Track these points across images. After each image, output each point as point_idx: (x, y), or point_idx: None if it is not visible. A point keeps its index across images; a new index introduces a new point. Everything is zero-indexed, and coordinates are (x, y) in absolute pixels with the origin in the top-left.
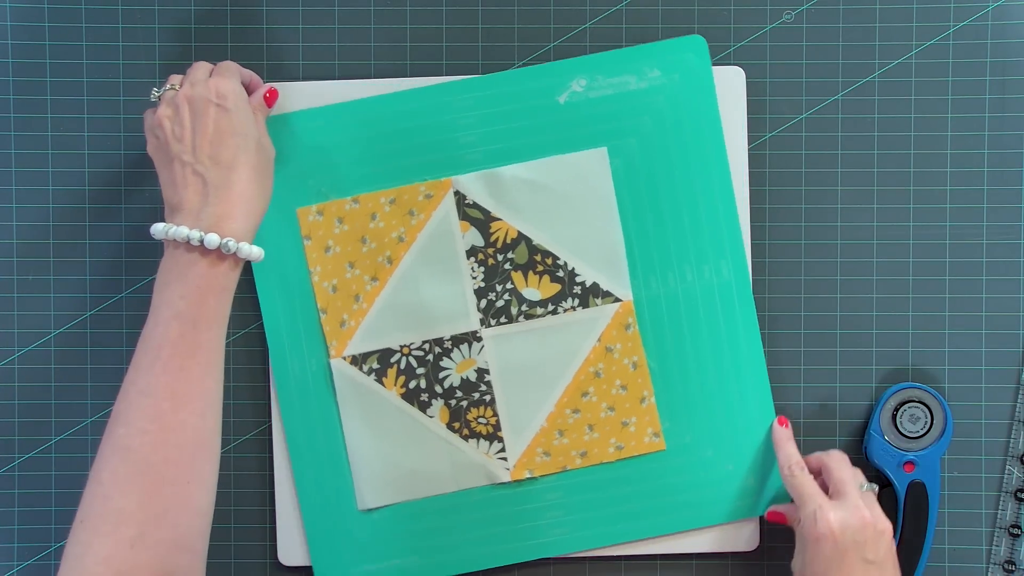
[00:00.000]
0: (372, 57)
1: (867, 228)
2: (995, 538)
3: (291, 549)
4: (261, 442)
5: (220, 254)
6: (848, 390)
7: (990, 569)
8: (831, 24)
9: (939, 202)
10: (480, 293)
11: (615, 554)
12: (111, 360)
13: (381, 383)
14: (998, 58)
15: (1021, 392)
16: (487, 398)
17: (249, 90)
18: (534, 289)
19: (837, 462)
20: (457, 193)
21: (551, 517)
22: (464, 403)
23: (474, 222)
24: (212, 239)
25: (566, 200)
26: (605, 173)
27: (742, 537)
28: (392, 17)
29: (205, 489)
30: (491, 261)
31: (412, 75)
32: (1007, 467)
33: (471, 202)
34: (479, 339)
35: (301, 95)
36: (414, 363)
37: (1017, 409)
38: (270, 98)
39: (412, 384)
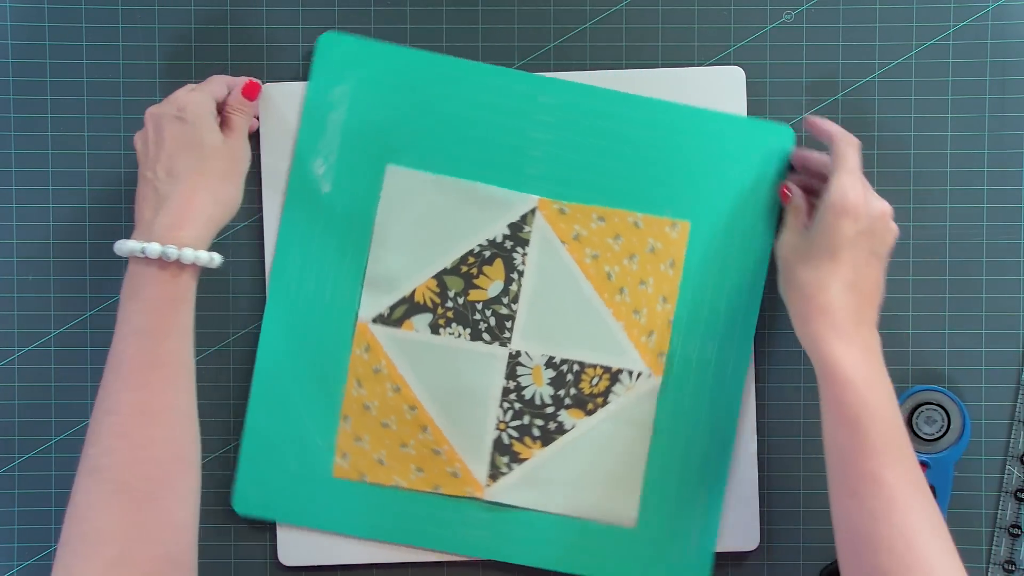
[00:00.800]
0: None
1: None
2: (995, 538)
3: (291, 549)
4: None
5: (168, 264)
6: None
7: (990, 569)
8: (831, 24)
9: (939, 202)
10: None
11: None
12: None
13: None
14: (998, 58)
15: (1021, 392)
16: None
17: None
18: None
19: (855, 150)
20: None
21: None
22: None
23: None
24: (153, 248)
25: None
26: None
27: (742, 537)
28: (392, 17)
29: (186, 502)
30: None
31: None
32: (1007, 467)
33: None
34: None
35: (301, 95)
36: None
37: (1017, 409)
38: (249, 90)
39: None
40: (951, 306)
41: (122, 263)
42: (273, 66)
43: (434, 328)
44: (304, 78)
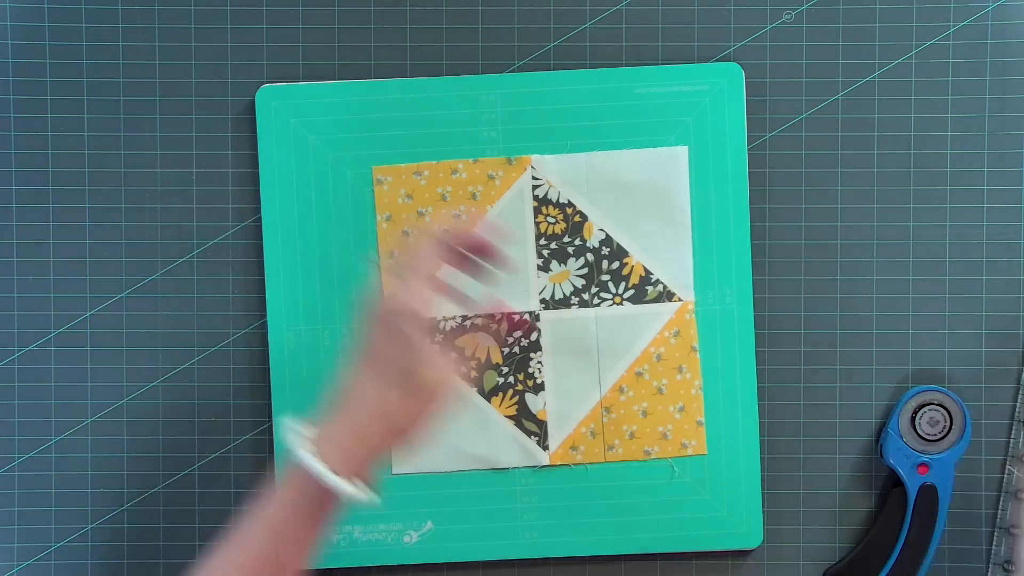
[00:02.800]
0: (372, 57)
1: (867, 228)
2: (995, 538)
3: None
4: (261, 442)
5: (306, 475)
6: (848, 390)
7: (990, 569)
8: (831, 24)
9: (939, 202)
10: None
11: (615, 552)
12: (111, 360)
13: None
14: (998, 58)
15: (1021, 392)
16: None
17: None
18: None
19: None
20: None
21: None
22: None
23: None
24: (304, 456)
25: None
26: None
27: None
28: (392, 17)
29: None
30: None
31: (412, 75)
32: (1007, 467)
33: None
34: (537, 319)
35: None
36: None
37: (1017, 409)
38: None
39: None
40: (951, 306)
41: (122, 264)
42: (273, 66)
43: None
44: (304, 78)
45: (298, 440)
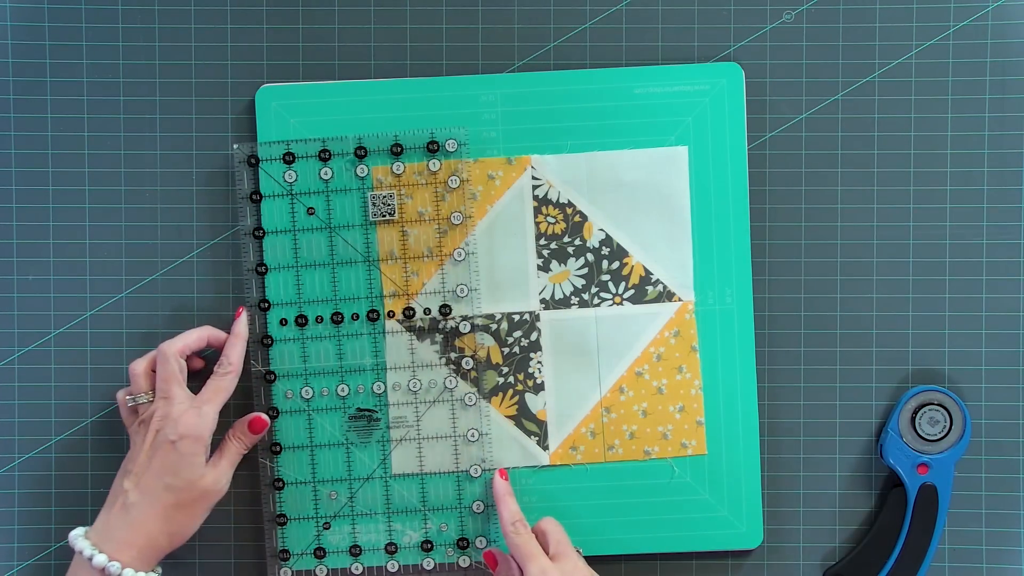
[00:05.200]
0: (372, 57)
1: (867, 228)
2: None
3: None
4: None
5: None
6: (848, 390)
7: (989, 569)
8: (831, 24)
9: (939, 202)
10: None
11: (615, 552)
12: (111, 360)
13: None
14: (998, 58)
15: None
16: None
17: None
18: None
19: (554, 525)
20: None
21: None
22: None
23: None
24: (100, 560)
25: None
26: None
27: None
28: (392, 17)
29: None
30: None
31: (412, 75)
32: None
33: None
34: (537, 319)
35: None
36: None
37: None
38: (255, 426)
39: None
40: (951, 306)
41: (122, 264)
42: (273, 66)
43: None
44: (304, 78)
45: (88, 547)
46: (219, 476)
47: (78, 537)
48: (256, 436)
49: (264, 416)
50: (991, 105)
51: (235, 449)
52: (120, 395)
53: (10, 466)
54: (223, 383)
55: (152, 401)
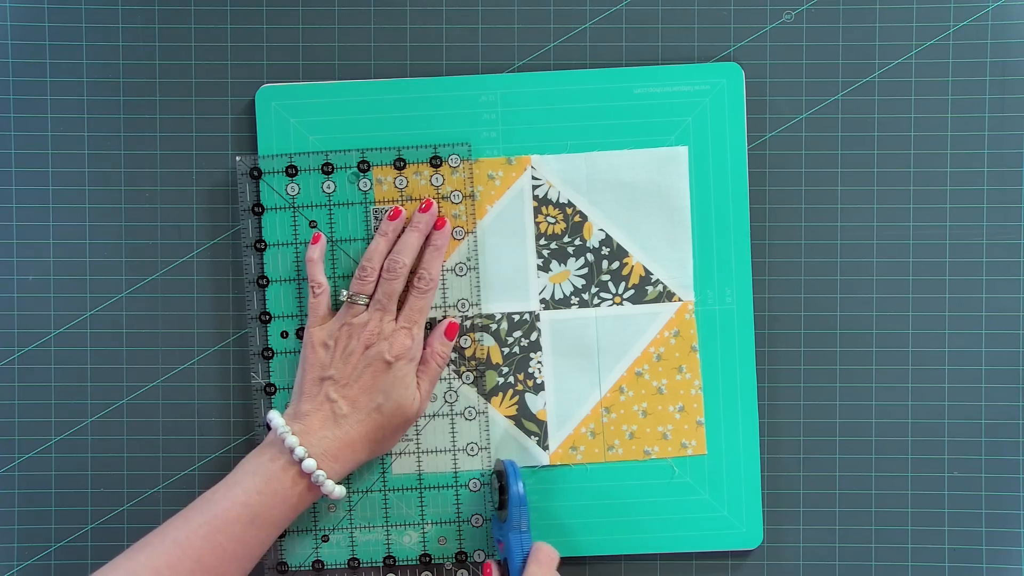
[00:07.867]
0: (372, 57)
1: (867, 228)
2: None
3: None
4: (258, 442)
5: (308, 478)
6: (848, 390)
7: (989, 569)
8: (831, 24)
9: (939, 202)
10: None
11: (615, 552)
12: (111, 360)
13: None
14: (998, 58)
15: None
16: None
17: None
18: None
19: (546, 554)
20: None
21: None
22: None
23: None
24: (309, 464)
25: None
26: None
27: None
28: (392, 17)
29: None
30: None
31: (412, 75)
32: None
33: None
34: (537, 319)
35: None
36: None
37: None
38: (451, 332)
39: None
40: (951, 306)
41: (122, 264)
42: (273, 66)
43: None
44: (304, 78)
45: (298, 446)
46: (424, 399)
47: (288, 433)
48: (451, 343)
49: (455, 319)
50: (991, 105)
51: (434, 371)
52: (315, 253)
53: (10, 466)
54: (425, 301)
55: (367, 306)
